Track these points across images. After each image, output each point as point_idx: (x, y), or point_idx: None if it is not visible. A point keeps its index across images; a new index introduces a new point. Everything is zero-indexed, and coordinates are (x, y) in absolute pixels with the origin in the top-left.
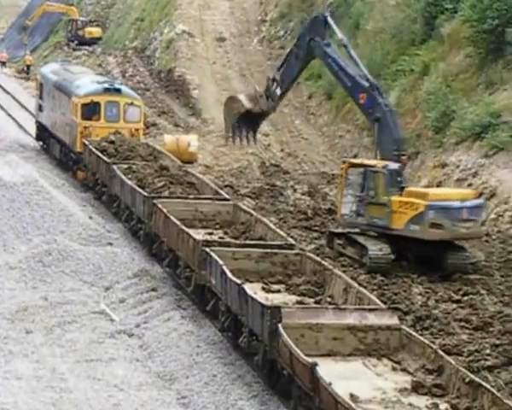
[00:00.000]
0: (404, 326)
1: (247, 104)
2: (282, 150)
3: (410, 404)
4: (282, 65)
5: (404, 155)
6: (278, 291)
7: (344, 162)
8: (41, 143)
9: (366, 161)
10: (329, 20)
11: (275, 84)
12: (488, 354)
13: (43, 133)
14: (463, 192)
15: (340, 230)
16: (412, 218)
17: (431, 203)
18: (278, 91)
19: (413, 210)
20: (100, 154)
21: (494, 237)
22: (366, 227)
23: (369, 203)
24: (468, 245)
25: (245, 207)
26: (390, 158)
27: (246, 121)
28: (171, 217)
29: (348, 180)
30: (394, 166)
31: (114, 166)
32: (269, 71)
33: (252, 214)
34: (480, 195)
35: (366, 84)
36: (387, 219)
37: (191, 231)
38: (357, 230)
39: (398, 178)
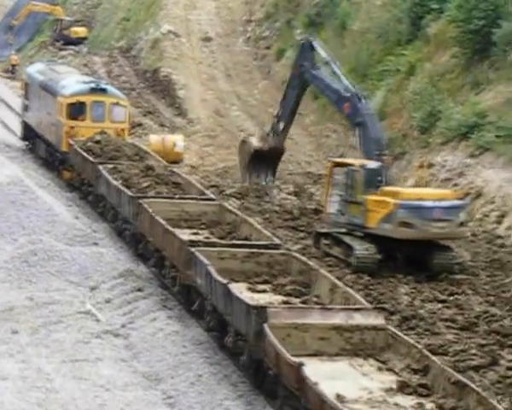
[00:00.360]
0: (390, 326)
1: (256, 144)
2: None
3: (396, 404)
4: (282, 99)
5: (385, 154)
6: (264, 291)
7: (329, 162)
8: (27, 142)
9: (348, 160)
10: (315, 44)
11: (277, 119)
12: (474, 354)
13: (28, 133)
14: (440, 192)
15: (326, 230)
16: (384, 216)
17: (401, 202)
18: (281, 125)
19: (385, 209)
20: (86, 154)
21: (480, 237)
22: (347, 226)
23: (349, 202)
24: (454, 245)
25: (230, 208)
26: (373, 159)
27: (261, 162)
28: (157, 217)
29: (333, 179)
30: (373, 165)
31: (100, 166)
32: (254, 71)
33: (237, 214)
34: (467, 195)
35: (348, 95)
36: (363, 217)
37: (177, 231)
38: (343, 230)
39: (378, 178)
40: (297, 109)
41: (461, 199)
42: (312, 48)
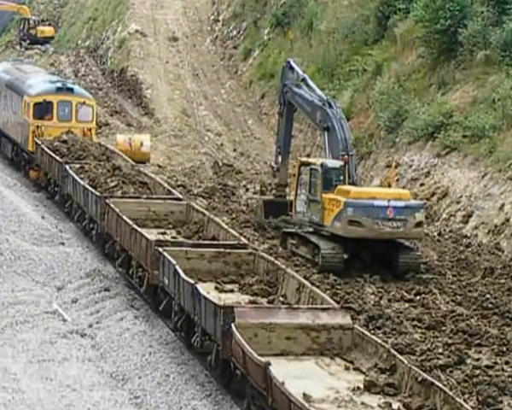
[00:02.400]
0: (356, 326)
1: (263, 197)
2: (234, 150)
3: (363, 403)
4: (276, 135)
5: (347, 154)
6: (231, 291)
7: (297, 161)
8: None
9: (311, 159)
10: (293, 64)
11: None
12: (440, 353)
13: None
14: (396, 192)
15: (293, 229)
16: (336, 215)
17: (350, 200)
18: (280, 159)
19: (337, 207)
20: (52, 153)
21: (446, 236)
22: (308, 224)
23: (310, 200)
24: (420, 245)
25: (198, 207)
26: (336, 158)
27: (276, 210)
28: (124, 217)
29: (300, 179)
30: (334, 164)
31: (67, 166)
32: (221, 70)
33: (204, 214)
34: (432, 195)
35: (320, 103)
36: (320, 215)
37: (144, 231)
38: (310, 229)
39: (340, 177)
40: (291, 137)
41: (419, 200)
42: (291, 67)
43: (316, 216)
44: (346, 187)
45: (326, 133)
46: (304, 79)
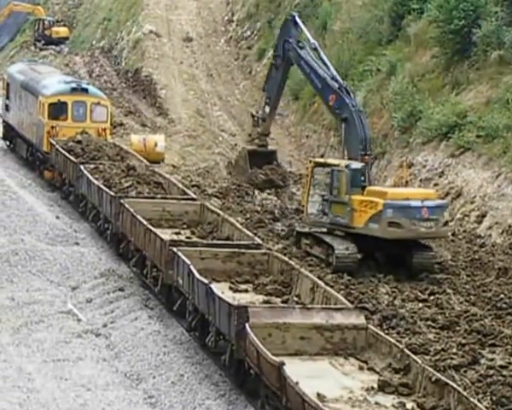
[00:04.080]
0: (370, 326)
1: (246, 147)
2: None
3: (377, 403)
4: (265, 84)
5: (367, 154)
6: (245, 291)
7: (310, 162)
8: (8, 142)
9: (330, 160)
10: (298, 20)
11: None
12: (454, 353)
13: (9, 133)
14: (424, 192)
15: (307, 229)
16: (372, 216)
17: (389, 202)
18: (267, 109)
19: (372, 209)
20: (67, 153)
21: (460, 236)
22: (330, 226)
23: (333, 202)
24: (434, 245)
25: (212, 207)
26: (357, 158)
27: (260, 160)
28: (138, 217)
29: (314, 179)
30: (357, 165)
31: (81, 166)
32: (235, 71)
33: (219, 214)
34: (446, 195)
35: (335, 86)
36: (348, 217)
37: (158, 231)
38: (323, 229)
39: (362, 178)
40: (283, 91)
41: (442, 199)
42: (296, 23)
43: (342, 218)
44: (380, 188)
45: (343, 125)
46: (316, 49)
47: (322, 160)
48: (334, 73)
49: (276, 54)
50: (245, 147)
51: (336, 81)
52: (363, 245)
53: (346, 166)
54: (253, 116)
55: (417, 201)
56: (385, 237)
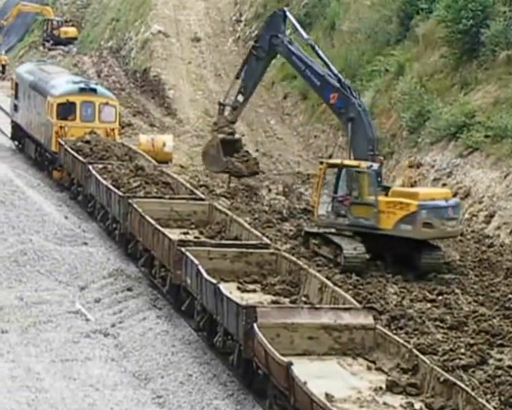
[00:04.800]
0: (378, 326)
1: (218, 136)
2: (257, 150)
3: (385, 403)
4: (240, 72)
5: (378, 154)
6: (253, 291)
7: (321, 163)
8: (16, 142)
9: (347, 162)
10: (289, 14)
11: (238, 91)
12: (463, 354)
13: (18, 133)
14: (444, 191)
15: (315, 229)
16: (403, 218)
17: (423, 203)
18: (241, 98)
19: (403, 210)
20: (75, 153)
21: (468, 236)
22: (348, 228)
23: (353, 204)
24: (442, 245)
25: (220, 207)
26: (364, 158)
27: (229, 149)
28: (147, 217)
29: (326, 181)
30: (376, 166)
31: (90, 166)
32: None
33: (227, 214)
34: (455, 196)
35: (337, 84)
36: (374, 219)
37: (166, 231)
38: (332, 229)
39: (379, 179)
40: (259, 82)
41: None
42: (284, 19)
43: (366, 220)
44: (409, 189)
45: (350, 125)
46: (312, 46)
47: (337, 161)
48: (335, 70)
49: (259, 45)
50: (216, 136)
51: (338, 80)
52: (373, 245)
53: (369, 168)
54: (220, 104)
55: (442, 200)
56: (418, 238)
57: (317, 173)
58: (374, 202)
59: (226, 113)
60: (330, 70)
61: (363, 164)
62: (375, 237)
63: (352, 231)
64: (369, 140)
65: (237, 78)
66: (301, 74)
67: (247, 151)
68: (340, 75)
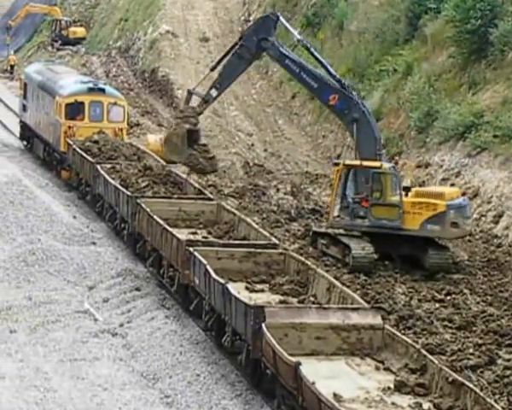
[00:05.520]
0: (387, 326)
1: (185, 126)
2: (265, 150)
3: (394, 403)
4: (217, 65)
5: (380, 153)
6: (262, 291)
7: (336, 164)
8: (25, 142)
9: (366, 163)
10: (282, 19)
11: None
12: (471, 354)
13: (26, 133)
14: (456, 190)
15: (323, 229)
16: (429, 218)
17: (451, 203)
18: (214, 93)
19: (429, 210)
20: (84, 153)
21: (477, 236)
22: (369, 229)
23: (374, 205)
24: (451, 245)
25: (228, 207)
26: (373, 158)
27: (190, 141)
28: (155, 216)
29: (343, 182)
30: (392, 166)
31: (98, 166)
32: (252, 71)
33: (235, 214)
34: (463, 196)
35: (336, 85)
36: (399, 220)
37: (175, 231)
38: (341, 230)
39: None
40: (236, 79)
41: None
42: (276, 24)
43: (389, 221)
44: (433, 189)
45: (355, 126)
46: (307, 48)
47: (356, 162)
48: (333, 70)
49: (245, 45)
50: (182, 125)
51: (338, 80)
52: (381, 245)
53: (391, 168)
54: (189, 92)
55: (461, 199)
56: (446, 238)
57: (333, 175)
58: (398, 203)
59: (193, 103)
60: (328, 71)
61: (385, 165)
62: (390, 237)
63: (371, 233)
64: (375, 139)
65: (212, 70)
66: (296, 77)
67: (205, 144)
68: (338, 76)
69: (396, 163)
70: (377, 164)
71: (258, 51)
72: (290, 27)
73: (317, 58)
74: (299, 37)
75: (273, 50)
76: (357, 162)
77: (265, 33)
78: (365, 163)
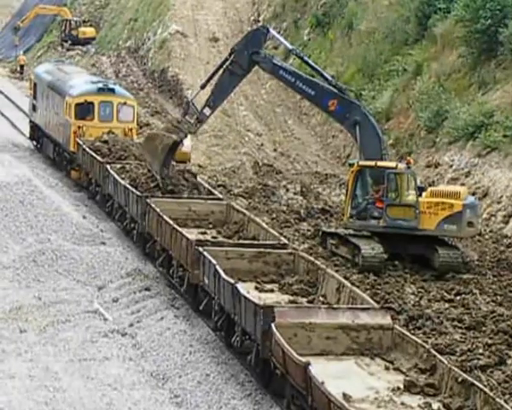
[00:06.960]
0: (396, 326)
1: (173, 136)
2: (274, 150)
3: (403, 403)
4: (207, 83)
5: (385, 154)
6: (271, 291)
7: (351, 165)
8: (34, 142)
9: (381, 163)
10: (272, 31)
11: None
12: (481, 354)
13: (36, 133)
14: (465, 189)
15: (332, 229)
16: (446, 218)
17: (467, 203)
18: (207, 112)
19: (446, 210)
20: (93, 153)
21: (487, 236)
22: (384, 230)
23: (390, 205)
24: (461, 245)
25: (238, 207)
26: (378, 159)
27: (171, 154)
28: (165, 216)
29: (358, 182)
30: (409, 166)
31: (108, 166)
32: (261, 71)
33: (245, 214)
34: (473, 195)
35: (334, 90)
36: (416, 220)
37: (184, 231)
38: (351, 231)
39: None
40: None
41: None
42: (266, 36)
43: (405, 221)
44: (448, 188)
45: (358, 129)
46: (300, 57)
47: (371, 163)
48: (328, 75)
49: (236, 61)
50: (170, 136)
51: (335, 85)
52: (391, 245)
53: (407, 169)
54: (188, 104)
55: (472, 198)
56: (462, 237)
57: (348, 175)
58: (415, 204)
59: (189, 117)
60: (324, 77)
61: (401, 165)
62: (402, 237)
63: (386, 234)
64: (379, 140)
65: (202, 88)
66: (293, 87)
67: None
68: (333, 80)
69: (409, 163)
70: (392, 164)
71: (250, 66)
72: (281, 38)
73: (311, 66)
74: (290, 47)
75: (265, 63)
76: (372, 163)
77: (256, 46)
78: (380, 163)
